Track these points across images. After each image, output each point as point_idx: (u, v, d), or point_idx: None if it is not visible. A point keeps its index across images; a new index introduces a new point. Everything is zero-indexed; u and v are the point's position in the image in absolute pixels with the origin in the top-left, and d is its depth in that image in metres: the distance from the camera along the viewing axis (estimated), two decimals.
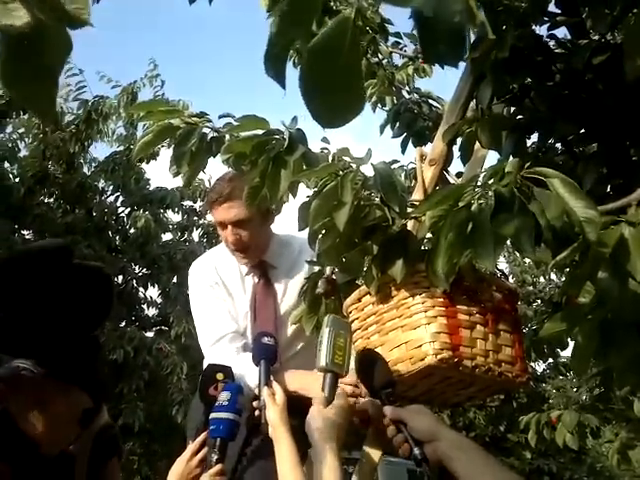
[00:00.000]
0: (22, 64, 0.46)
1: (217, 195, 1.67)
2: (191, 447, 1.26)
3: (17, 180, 6.08)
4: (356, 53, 0.51)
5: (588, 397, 5.70)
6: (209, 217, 7.27)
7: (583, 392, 6.37)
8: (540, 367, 9.06)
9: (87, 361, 0.87)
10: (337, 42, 0.49)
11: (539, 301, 8.56)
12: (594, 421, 3.18)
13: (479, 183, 0.86)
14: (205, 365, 1.66)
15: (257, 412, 1.21)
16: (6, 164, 5.90)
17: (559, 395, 7.61)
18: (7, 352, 0.80)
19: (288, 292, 1.73)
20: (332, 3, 2.00)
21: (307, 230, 1.11)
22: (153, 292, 6.93)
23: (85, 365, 0.87)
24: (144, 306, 6.95)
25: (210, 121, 1.23)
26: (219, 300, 1.72)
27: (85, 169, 6.55)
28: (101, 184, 6.66)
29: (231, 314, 1.71)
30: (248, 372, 1.45)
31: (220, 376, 1.36)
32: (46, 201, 6.39)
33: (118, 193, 6.70)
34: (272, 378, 1.33)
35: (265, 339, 1.36)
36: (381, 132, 2.26)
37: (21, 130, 6.23)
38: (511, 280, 8.20)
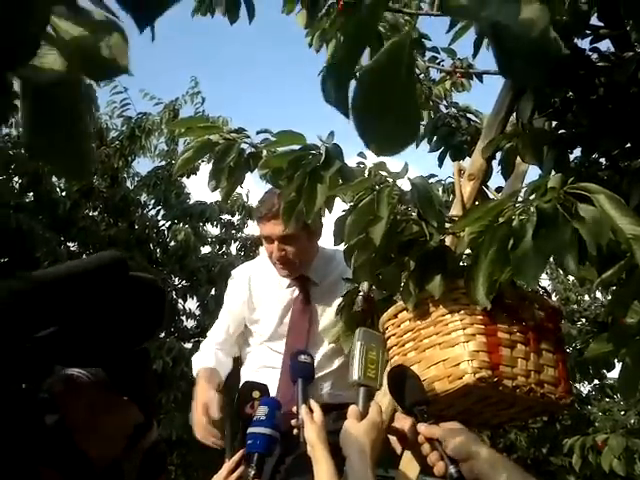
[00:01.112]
0: (50, 120, 0.43)
1: (266, 210, 1.69)
2: (227, 465, 1.26)
3: (63, 194, 6.30)
4: (412, 79, 0.49)
5: (636, 421, 5.46)
6: (247, 230, 7.36)
7: (631, 415, 6.10)
8: (585, 388, 8.73)
9: (139, 374, 0.88)
10: (393, 68, 0.47)
11: (583, 320, 8.28)
12: None
13: (520, 198, 0.85)
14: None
15: (295, 430, 1.21)
16: (53, 178, 6.13)
17: (605, 418, 7.31)
18: (61, 362, 0.81)
19: (327, 310, 1.72)
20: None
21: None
22: (192, 304, 7.03)
23: (137, 378, 0.87)
24: (183, 317, 7.05)
25: (248, 137, 1.25)
26: (236, 316, 1.84)
27: (128, 183, 6.74)
28: (143, 198, 6.84)
29: (237, 330, 1.84)
30: (203, 353, 1.77)
31: (256, 394, 1.36)
32: (90, 214, 6.59)
33: (159, 207, 6.85)
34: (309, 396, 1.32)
35: (302, 357, 1.35)
36: (417, 146, 2.24)
37: None
38: (554, 298, 7.97)
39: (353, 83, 0.49)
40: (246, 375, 1.82)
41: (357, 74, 0.49)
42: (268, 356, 1.76)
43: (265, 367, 1.75)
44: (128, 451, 0.88)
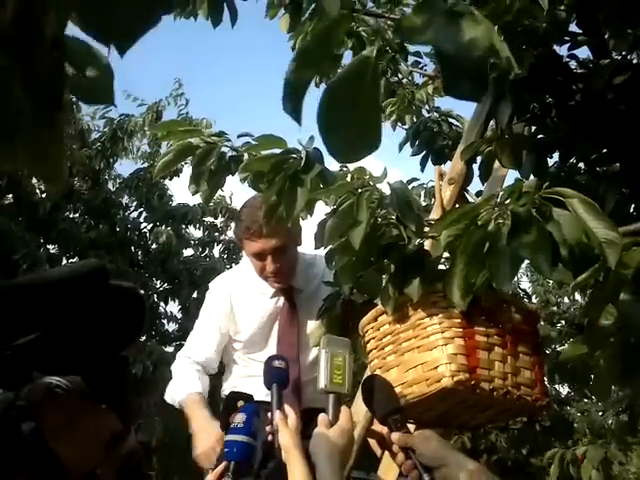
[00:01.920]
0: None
1: (254, 225, 1.59)
2: (209, 477, 1.25)
3: (44, 195, 6.22)
4: (376, 91, 0.52)
5: (614, 421, 5.54)
6: (230, 233, 7.34)
7: (609, 416, 6.19)
8: (564, 390, 8.85)
9: (118, 382, 0.87)
10: (357, 81, 0.50)
11: (563, 322, 8.39)
12: (620, 456, 3.09)
13: (497, 202, 0.86)
14: (222, 395, 1.73)
15: (270, 437, 1.20)
16: (33, 180, 6.05)
17: (584, 419, 7.41)
18: (40, 370, 0.80)
19: (312, 314, 1.72)
20: (353, 25, 2.02)
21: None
22: (173, 307, 6.98)
23: (116, 386, 0.87)
24: (164, 321, 7.00)
25: (229, 140, 1.25)
26: (216, 331, 1.77)
27: (110, 185, 6.68)
28: (125, 200, 6.78)
29: (218, 347, 1.77)
30: (186, 377, 1.69)
31: (241, 403, 1.35)
32: (71, 216, 6.51)
33: (141, 209, 6.80)
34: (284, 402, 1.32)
35: (276, 362, 1.35)
36: (400, 150, 2.26)
37: None
38: (534, 300, 8.07)
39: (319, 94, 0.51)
40: (230, 385, 1.79)
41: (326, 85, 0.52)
42: (254, 366, 1.73)
43: (251, 377, 1.72)
44: (105, 459, 0.87)
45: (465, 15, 0.50)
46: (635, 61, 1.29)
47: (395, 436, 1.00)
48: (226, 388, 1.81)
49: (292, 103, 0.51)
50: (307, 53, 0.51)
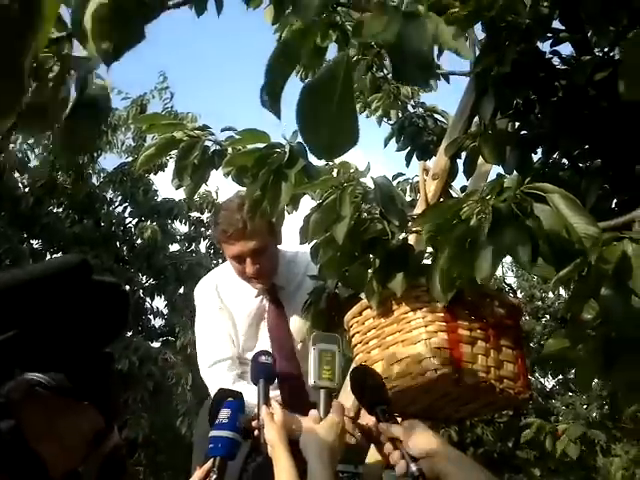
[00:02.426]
0: None
1: (232, 229, 1.57)
2: (197, 474, 1.24)
3: (26, 190, 6.14)
4: (349, 92, 0.56)
5: (598, 414, 5.62)
6: None
7: (593, 409, 6.28)
8: (549, 383, 8.96)
9: (101, 379, 0.86)
10: (331, 83, 0.55)
11: (548, 316, 8.49)
12: (602, 437, 3.13)
13: (478, 198, 0.86)
14: (210, 391, 1.65)
15: (256, 432, 1.20)
16: (16, 174, 5.96)
17: (568, 412, 7.51)
18: (20, 366, 0.79)
19: (298, 311, 1.71)
20: (337, 18, 2.02)
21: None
22: (159, 303, 6.95)
23: (99, 383, 0.86)
24: (150, 316, 6.96)
25: (212, 134, 1.24)
26: (222, 324, 1.71)
27: (94, 179, 6.62)
28: (109, 195, 6.73)
29: (232, 338, 1.70)
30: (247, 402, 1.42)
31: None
32: (55, 211, 6.44)
33: (126, 204, 6.75)
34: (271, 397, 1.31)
35: (262, 358, 1.34)
36: (385, 145, 2.27)
37: (31, 140, 6.30)
38: (520, 295, 8.14)
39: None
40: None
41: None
42: (244, 368, 1.71)
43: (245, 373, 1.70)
44: (87, 457, 0.86)
45: (414, 16, 0.57)
46: (617, 57, 1.30)
47: (383, 426, 1.01)
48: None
49: (271, 99, 0.54)
50: (285, 50, 0.54)
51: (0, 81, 0.41)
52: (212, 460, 1.21)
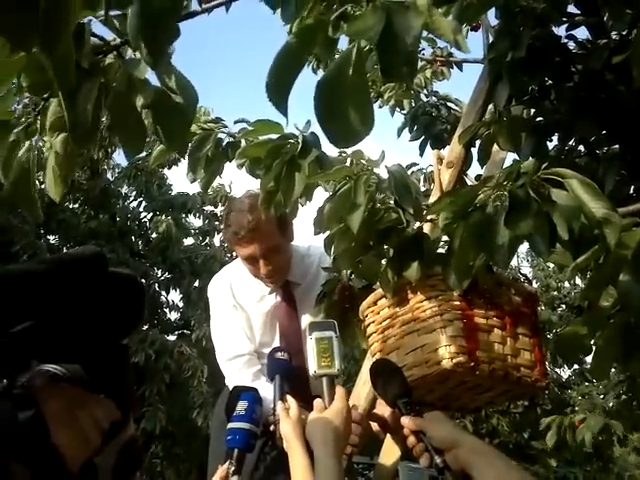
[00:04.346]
0: None
1: (242, 230, 1.56)
2: (218, 473, 1.24)
3: (42, 186, 6.20)
4: (361, 83, 0.59)
5: (615, 404, 5.57)
6: None
7: (610, 399, 6.23)
8: (565, 373, 8.90)
9: (117, 371, 0.87)
10: (342, 76, 0.58)
11: (564, 306, 8.42)
12: (620, 428, 3.10)
13: (495, 184, 0.85)
14: (227, 383, 1.67)
15: (272, 427, 1.21)
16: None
17: (584, 402, 7.46)
18: (37, 357, 0.80)
19: (310, 306, 1.70)
20: (349, 8, 2.00)
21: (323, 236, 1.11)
22: (175, 296, 7.00)
23: (115, 374, 0.86)
24: (166, 310, 7.03)
25: (226, 126, 1.24)
26: (237, 321, 1.71)
27: (108, 175, 6.67)
28: (124, 190, 6.78)
29: (247, 335, 1.69)
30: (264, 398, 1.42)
31: None
32: (71, 207, 6.51)
33: (141, 198, 6.80)
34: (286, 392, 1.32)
35: (278, 354, 1.35)
36: (398, 135, 2.25)
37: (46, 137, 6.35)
38: (535, 285, 8.09)
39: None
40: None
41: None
42: (262, 362, 1.71)
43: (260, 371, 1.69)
44: (103, 448, 0.87)
45: (401, 11, 0.60)
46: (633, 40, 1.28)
47: (406, 419, 1.00)
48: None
49: (278, 96, 0.57)
50: (293, 49, 0.56)
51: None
52: (229, 452, 1.22)
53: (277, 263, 1.64)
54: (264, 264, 1.61)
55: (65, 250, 6.24)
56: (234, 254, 1.95)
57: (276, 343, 1.71)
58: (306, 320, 1.70)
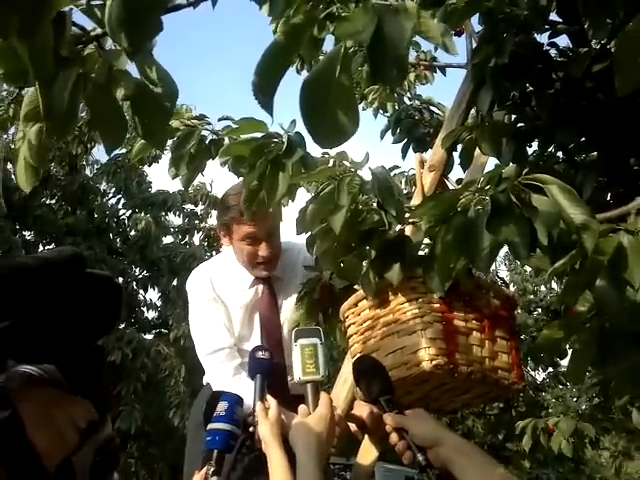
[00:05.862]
0: None
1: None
2: (196, 477, 1.23)
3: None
4: (346, 84, 0.59)
5: (588, 407, 5.68)
6: (210, 221, 7.27)
7: (583, 401, 6.35)
8: (540, 376, 9.04)
9: (94, 371, 0.86)
10: (328, 77, 0.59)
11: (540, 310, 8.55)
12: (592, 430, 3.16)
13: (477, 188, 0.86)
14: (207, 378, 1.66)
15: (251, 428, 1.20)
16: (8, 165, 5.91)
17: (558, 404, 7.59)
18: (15, 358, 0.79)
19: (290, 301, 1.70)
20: (335, 9, 2.01)
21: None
22: (153, 295, 6.94)
23: (92, 375, 0.85)
24: (144, 308, 6.95)
25: (209, 124, 1.24)
26: (218, 314, 1.69)
27: (87, 171, 6.58)
28: (103, 186, 6.70)
29: (227, 328, 1.68)
30: (245, 396, 1.38)
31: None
32: (47, 202, 6.40)
33: (119, 195, 6.72)
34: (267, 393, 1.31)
35: (259, 353, 1.34)
36: (381, 137, 2.26)
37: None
38: (512, 288, 8.19)
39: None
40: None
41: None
42: (241, 358, 1.70)
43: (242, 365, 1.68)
44: (80, 448, 0.86)
45: (393, 14, 0.60)
46: (613, 50, 1.30)
47: (388, 417, 1.01)
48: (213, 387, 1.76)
49: (264, 96, 0.57)
50: (279, 49, 0.56)
51: None
52: (209, 453, 1.21)
53: (277, 247, 1.64)
54: (266, 245, 1.61)
55: (41, 246, 6.14)
56: (214, 253, 1.93)
57: (255, 337, 1.70)
58: (285, 314, 1.70)
